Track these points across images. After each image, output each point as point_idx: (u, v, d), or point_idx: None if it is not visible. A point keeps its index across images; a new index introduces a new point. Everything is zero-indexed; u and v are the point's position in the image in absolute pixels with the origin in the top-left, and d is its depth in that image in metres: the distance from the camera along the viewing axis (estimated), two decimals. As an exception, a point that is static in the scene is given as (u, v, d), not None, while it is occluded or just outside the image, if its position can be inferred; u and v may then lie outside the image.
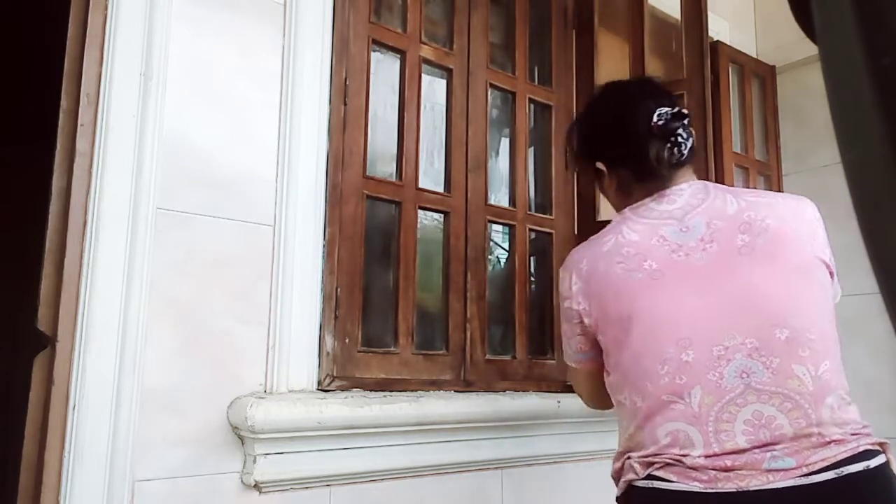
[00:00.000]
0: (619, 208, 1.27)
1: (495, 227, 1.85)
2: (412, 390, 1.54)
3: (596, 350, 1.22)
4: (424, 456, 1.49)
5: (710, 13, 1.90)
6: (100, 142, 1.21)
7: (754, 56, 2.66)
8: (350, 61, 1.55)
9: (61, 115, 1.22)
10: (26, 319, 1.35)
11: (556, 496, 1.73)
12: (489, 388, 1.68)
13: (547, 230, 1.91)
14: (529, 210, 1.89)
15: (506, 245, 1.89)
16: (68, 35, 1.24)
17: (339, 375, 1.44)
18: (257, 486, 1.28)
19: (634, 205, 1.21)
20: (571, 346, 1.25)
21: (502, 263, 1.91)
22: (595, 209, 1.93)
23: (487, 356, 1.72)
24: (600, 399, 1.31)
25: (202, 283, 1.29)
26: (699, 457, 1.03)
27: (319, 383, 1.41)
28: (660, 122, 1.17)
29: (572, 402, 1.71)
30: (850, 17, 0.26)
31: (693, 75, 1.83)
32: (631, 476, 1.10)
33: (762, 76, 2.63)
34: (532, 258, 1.90)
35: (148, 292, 1.22)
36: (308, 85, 1.45)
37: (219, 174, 1.33)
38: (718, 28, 2.51)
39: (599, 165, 1.27)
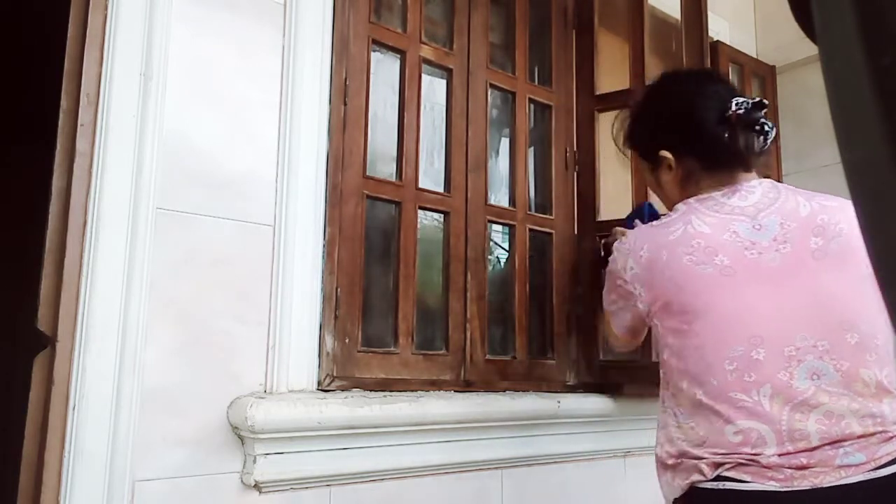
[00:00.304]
0: (674, 200, 1.25)
1: (495, 227, 1.85)
2: (412, 390, 1.54)
3: (639, 327, 1.26)
4: (424, 456, 1.49)
5: (710, 13, 1.90)
6: (100, 142, 1.21)
7: (754, 56, 2.66)
8: (350, 61, 1.55)
9: (61, 115, 1.22)
10: (26, 319, 1.35)
11: (556, 496, 1.73)
12: (489, 388, 1.68)
13: (547, 230, 1.91)
14: (529, 210, 1.89)
15: (506, 245, 1.89)
16: (68, 35, 1.24)
17: (339, 375, 1.44)
18: (257, 486, 1.28)
19: (700, 196, 1.19)
20: (619, 316, 1.27)
21: (502, 263, 1.91)
22: (595, 209, 1.93)
23: (487, 356, 1.72)
24: (631, 346, 1.37)
25: (202, 283, 1.29)
26: (773, 455, 1.02)
27: (319, 383, 1.41)
28: (739, 111, 1.16)
29: (572, 402, 1.71)
30: (850, 17, 0.26)
31: (693, 75, 1.83)
32: (696, 477, 1.07)
33: (762, 76, 2.63)
34: (532, 258, 1.90)
35: (148, 292, 1.22)
36: (308, 85, 1.45)
37: (219, 174, 1.33)
38: (718, 28, 2.51)
39: (665, 154, 1.24)
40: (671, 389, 1.16)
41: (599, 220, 1.93)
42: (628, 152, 1.41)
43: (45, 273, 1.18)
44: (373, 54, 1.61)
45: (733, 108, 1.16)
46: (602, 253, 1.77)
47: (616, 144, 1.48)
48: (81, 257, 1.17)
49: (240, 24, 1.40)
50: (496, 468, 1.62)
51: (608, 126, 1.98)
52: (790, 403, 1.04)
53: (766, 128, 1.17)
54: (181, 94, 1.31)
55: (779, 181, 2.58)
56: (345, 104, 1.52)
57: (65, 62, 1.23)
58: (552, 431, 1.71)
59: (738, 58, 2.53)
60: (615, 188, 1.97)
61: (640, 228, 1.25)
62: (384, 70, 1.68)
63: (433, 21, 1.80)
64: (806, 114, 2.53)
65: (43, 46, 2.33)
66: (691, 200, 1.20)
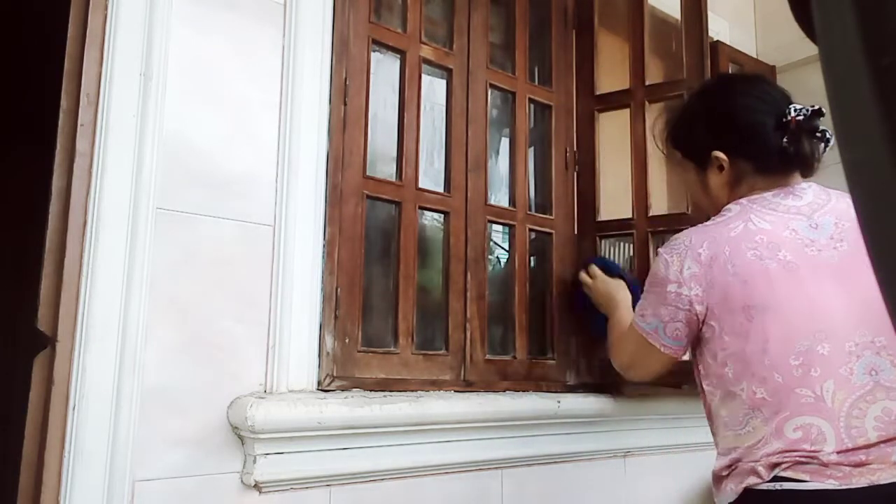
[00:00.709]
0: (719, 202, 1.26)
1: (495, 227, 1.85)
2: (412, 390, 1.54)
3: (690, 339, 1.20)
4: (424, 456, 1.49)
5: (710, 13, 1.90)
6: (100, 142, 1.21)
7: (754, 56, 2.66)
8: (350, 61, 1.55)
9: (61, 115, 1.22)
10: (26, 319, 1.35)
11: (556, 496, 1.73)
12: (489, 388, 1.68)
13: (547, 230, 1.91)
14: (529, 210, 1.89)
15: (506, 245, 1.89)
16: (68, 35, 1.24)
17: (339, 375, 1.44)
18: (257, 486, 1.28)
19: (752, 197, 1.20)
20: (667, 331, 1.20)
21: (502, 263, 1.91)
22: (595, 209, 1.93)
23: (487, 356, 1.72)
24: (656, 376, 1.32)
25: (202, 283, 1.29)
26: (833, 453, 1.02)
27: (319, 383, 1.41)
28: (799, 118, 1.17)
29: (572, 402, 1.71)
30: (850, 17, 0.26)
31: (693, 75, 1.83)
32: (752, 480, 1.07)
33: (762, 76, 2.63)
34: (532, 258, 1.90)
35: (148, 292, 1.22)
36: (308, 85, 1.45)
37: (219, 174, 1.33)
38: (718, 28, 2.51)
39: (719, 154, 1.24)
40: (721, 400, 1.15)
41: (599, 220, 1.93)
42: (670, 150, 1.40)
43: (45, 273, 1.18)
44: (373, 54, 1.61)
45: (792, 114, 1.17)
46: (578, 282, 1.77)
47: (655, 142, 1.47)
48: (81, 257, 1.17)
49: (240, 24, 1.40)
50: (496, 468, 1.62)
51: (608, 126, 1.98)
52: (850, 399, 1.04)
53: (828, 134, 1.18)
54: (181, 94, 1.30)
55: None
56: (345, 104, 1.52)
57: (65, 62, 1.23)
58: (552, 431, 1.71)
59: (738, 58, 2.53)
60: (615, 188, 1.97)
61: (694, 229, 1.23)
62: (384, 70, 1.68)
63: (433, 21, 1.80)
64: (806, 114, 2.52)
65: (43, 46, 2.33)
66: (743, 201, 1.20)
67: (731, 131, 1.24)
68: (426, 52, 1.71)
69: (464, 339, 1.68)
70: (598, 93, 1.98)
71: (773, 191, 1.20)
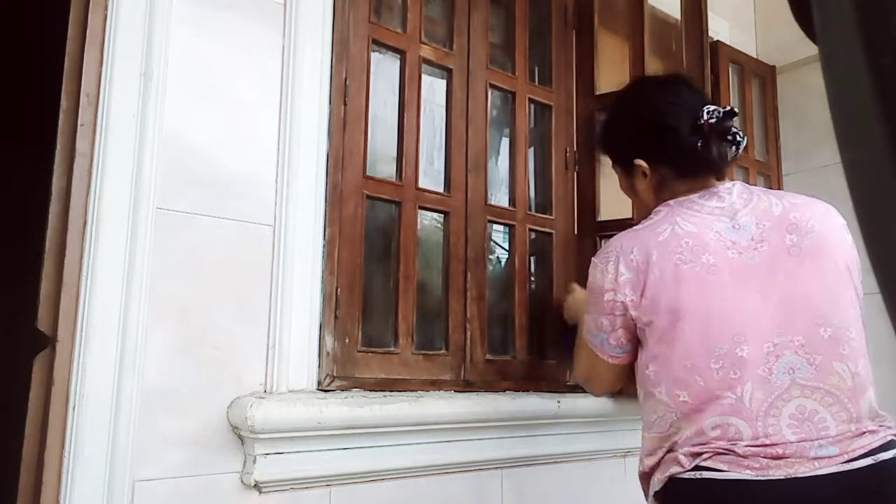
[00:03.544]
0: (649, 206, 1.28)
1: (495, 227, 1.85)
2: (412, 390, 1.54)
3: (634, 344, 1.21)
4: (424, 456, 1.49)
5: (710, 13, 1.90)
6: (100, 142, 1.21)
7: (754, 56, 2.66)
8: (350, 61, 1.55)
9: (61, 115, 1.22)
10: (26, 319, 1.35)
11: (556, 496, 1.73)
12: (489, 388, 1.68)
13: (547, 230, 1.91)
14: (529, 210, 1.89)
15: (506, 245, 1.89)
16: (68, 35, 1.24)
17: (339, 375, 1.44)
18: (257, 486, 1.28)
19: (679, 199, 1.22)
20: (611, 340, 1.22)
21: (502, 263, 1.91)
22: (595, 209, 1.93)
23: (487, 356, 1.72)
24: (614, 387, 1.34)
25: (202, 283, 1.29)
26: (748, 446, 1.05)
27: (319, 383, 1.41)
28: (711, 121, 1.19)
29: (572, 402, 1.71)
30: (850, 16, 0.26)
31: (693, 75, 1.83)
32: (675, 469, 1.10)
33: (762, 76, 2.63)
34: (532, 258, 1.90)
35: (148, 292, 1.22)
36: (308, 85, 1.45)
37: (219, 174, 1.33)
38: (718, 28, 2.51)
39: (640, 163, 1.26)
40: (643, 400, 1.19)
41: (599, 220, 1.93)
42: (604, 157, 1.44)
43: (45, 273, 1.18)
44: (373, 54, 1.61)
45: (705, 116, 1.19)
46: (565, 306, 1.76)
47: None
48: (81, 257, 1.17)
49: (240, 24, 1.40)
50: (496, 468, 1.62)
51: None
52: (769, 399, 1.07)
53: (738, 137, 1.21)
54: (181, 95, 1.30)
55: (779, 181, 2.59)
56: (345, 104, 1.52)
57: (65, 62, 1.23)
58: (552, 431, 1.71)
59: (738, 58, 2.53)
60: (615, 188, 1.97)
61: (624, 233, 1.25)
62: (384, 70, 1.68)
63: (433, 21, 1.80)
64: (806, 114, 2.52)
65: (43, 46, 2.33)
66: (671, 203, 1.22)
67: (649, 139, 1.26)
68: (426, 52, 1.71)
69: (464, 340, 1.68)
70: (598, 93, 1.98)
71: (698, 192, 1.21)
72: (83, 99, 1.21)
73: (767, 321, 1.09)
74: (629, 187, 1.34)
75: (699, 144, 1.19)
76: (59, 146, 1.21)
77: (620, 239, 1.23)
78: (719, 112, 1.20)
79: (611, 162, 1.40)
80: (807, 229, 1.14)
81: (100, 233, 1.18)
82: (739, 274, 1.12)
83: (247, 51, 1.40)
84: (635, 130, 1.30)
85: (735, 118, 1.21)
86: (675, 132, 1.21)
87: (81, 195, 1.19)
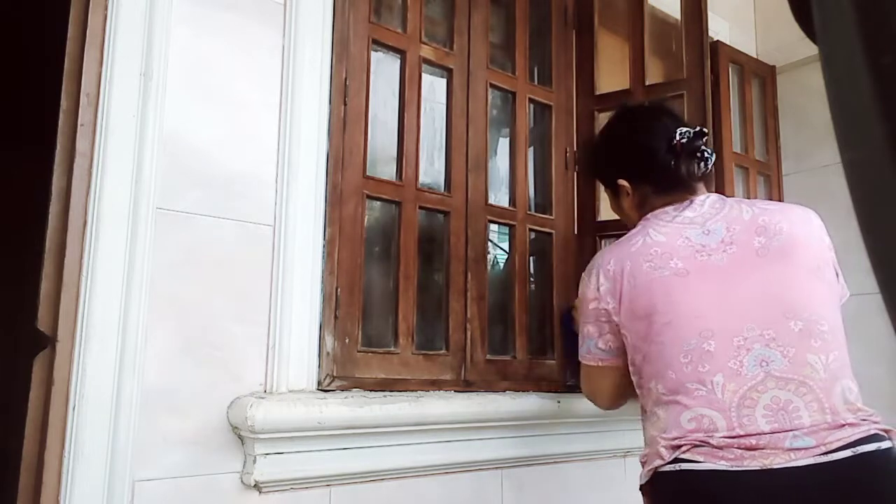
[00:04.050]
0: (634, 221, 1.38)
1: (495, 227, 1.85)
2: (412, 390, 1.54)
3: (621, 348, 1.29)
4: (424, 456, 1.49)
5: (710, 13, 1.90)
6: (100, 142, 1.21)
7: (754, 56, 2.66)
8: (350, 61, 1.55)
9: (61, 115, 1.22)
10: (26, 319, 1.35)
11: (556, 496, 1.73)
12: (489, 388, 1.68)
13: (547, 230, 1.91)
14: (529, 210, 1.89)
15: (506, 245, 1.89)
16: (68, 35, 1.24)
17: (339, 375, 1.44)
18: (257, 486, 1.28)
19: (656, 211, 1.32)
20: (599, 345, 1.32)
21: (502, 263, 1.91)
22: (595, 209, 1.93)
23: (487, 356, 1.72)
24: (618, 397, 1.39)
25: (202, 283, 1.29)
26: (722, 437, 1.09)
27: (319, 383, 1.41)
28: (683, 141, 1.31)
29: (572, 402, 1.71)
30: (850, 16, 0.26)
31: (693, 75, 1.83)
32: (657, 462, 1.14)
33: (762, 76, 2.63)
34: (532, 258, 1.90)
35: (148, 292, 1.22)
36: (308, 85, 1.45)
37: (219, 174, 1.33)
38: (718, 28, 2.51)
39: (623, 182, 1.38)
40: (644, 393, 1.24)
41: (599, 220, 1.93)
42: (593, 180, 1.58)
43: (45, 273, 1.18)
44: (373, 54, 1.61)
45: (677, 137, 1.31)
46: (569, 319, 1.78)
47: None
48: (81, 257, 1.17)
49: (240, 24, 1.40)
50: (496, 468, 1.62)
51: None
52: (741, 390, 1.11)
53: (706, 154, 1.33)
54: (181, 95, 1.30)
55: (779, 181, 2.59)
56: (345, 104, 1.52)
57: (65, 62, 1.23)
58: (552, 431, 1.71)
59: (738, 58, 2.53)
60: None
61: (606, 248, 1.37)
62: (384, 70, 1.68)
63: (433, 21, 1.80)
64: (806, 114, 2.52)
65: (43, 46, 2.33)
66: (649, 216, 1.33)
67: (629, 161, 1.39)
68: (426, 52, 1.71)
69: (464, 339, 1.68)
70: (598, 93, 1.99)
71: (674, 205, 1.31)
72: (83, 99, 1.21)
73: (737, 317, 1.15)
74: (617, 206, 1.46)
75: (672, 163, 1.31)
76: (59, 146, 1.21)
77: (602, 253, 1.35)
78: (690, 132, 1.31)
79: (602, 185, 1.53)
80: (775, 231, 1.21)
81: (100, 233, 1.18)
82: (708, 274, 1.19)
83: (247, 51, 1.40)
84: (619, 153, 1.42)
85: (705, 137, 1.32)
86: (653, 152, 1.33)
87: (81, 195, 1.19)
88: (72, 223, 1.18)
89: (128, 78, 1.24)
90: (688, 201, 1.30)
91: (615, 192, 1.43)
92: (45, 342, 1.17)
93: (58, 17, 1.28)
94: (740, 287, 1.17)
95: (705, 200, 1.30)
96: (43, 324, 1.17)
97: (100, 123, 1.21)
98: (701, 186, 1.34)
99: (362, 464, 1.39)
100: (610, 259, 1.29)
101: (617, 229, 1.91)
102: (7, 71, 2.84)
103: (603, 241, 1.95)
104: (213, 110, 1.34)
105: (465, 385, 1.65)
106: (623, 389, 1.35)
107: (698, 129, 1.32)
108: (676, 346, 1.16)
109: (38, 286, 1.18)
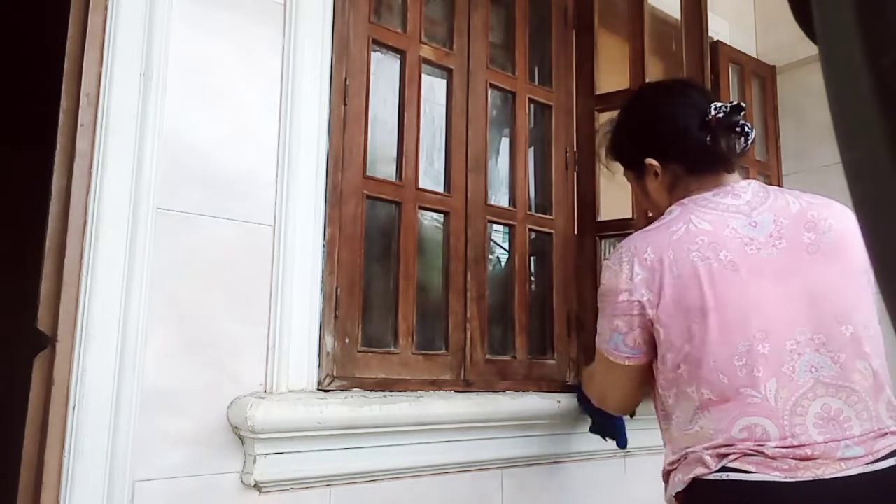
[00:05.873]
0: (662, 206, 1.27)
1: (495, 227, 1.85)
2: (412, 390, 1.54)
3: (651, 345, 1.19)
4: (424, 456, 1.49)
5: (710, 13, 1.90)
6: (100, 142, 1.21)
7: (754, 56, 2.66)
8: (350, 61, 1.55)
9: (61, 115, 1.22)
10: (26, 319, 1.35)
11: (556, 496, 1.73)
12: (489, 388, 1.68)
13: (547, 230, 1.91)
14: (529, 210, 1.89)
15: (506, 245, 1.89)
16: (68, 35, 1.24)
17: (339, 375, 1.44)
18: (257, 486, 1.28)
19: (693, 197, 1.22)
20: (626, 341, 1.20)
21: (502, 263, 1.91)
22: (595, 209, 1.93)
23: (487, 356, 1.72)
24: (636, 398, 1.32)
25: (202, 283, 1.29)
26: (776, 447, 1.04)
27: (319, 383, 1.41)
28: (719, 115, 1.20)
29: (572, 402, 1.71)
30: (850, 16, 0.26)
31: (693, 75, 1.83)
32: (700, 470, 1.08)
33: (762, 76, 2.63)
34: (532, 258, 1.90)
35: (148, 292, 1.22)
36: (308, 85, 1.45)
37: (219, 174, 1.33)
38: (718, 28, 2.51)
39: (651, 161, 1.27)
40: (675, 400, 1.16)
41: (599, 220, 1.93)
42: (612, 166, 1.44)
43: (45, 273, 1.18)
44: (373, 54, 1.61)
45: (713, 112, 1.20)
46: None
47: (599, 160, 1.50)
48: (81, 257, 1.17)
49: (240, 24, 1.40)
50: (496, 468, 1.62)
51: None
52: (793, 397, 1.06)
53: (747, 129, 1.21)
54: (181, 94, 1.30)
55: (779, 181, 2.59)
56: (345, 104, 1.52)
57: (65, 62, 1.23)
58: (552, 431, 1.71)
59: (738, 58, 2.53)
60: (615, 188, 1.97)
61: (636, 234, 1.25)
62: (384, 70, 1.68)
63: (433, 21, 1.80)
64: (806, 114, 2.52)
65: (43, 46, 2.33)
66: (685, 201, 1.22)
67: (658, 138, 1.28)
68: (426, 52, 1.71)
69: (464, 339, 1.68)
70: (598, 93, 1.98)
71: (712, 190, 1.21)
72: (83, 99, 1.21)
73: (788, 319, 1.09)
74: (641, 189, 1.34)
75: (708, 139, 1.20)
76: (59, 146, 1.21)
77: (633, 240, 1.22)
78: (726, 107, 1.20)
79: (623, 168, 1.40)
80: (825, 228, 1.13)
81: (100, 233, 1.18)
82: (758, 271, 1.11)
83: (247, 51, 1.40)
84: (645, 131, 1.31)
85: (742, 112, 1.21)
86: (684, 129, 1.23)
87: (81, 195, 1.19)
88: (72, 223, 1.18)
89: (128, 78, 1.24)
90: (728, 186, 1.20)
91: (639, 175, 1.32)
92: (45, 342, 1.17)
93: (58, 17, 1.28)
94: (792, 286, 1.10)
95: (747, 187, 1.20)
96: (43, 324, 1.17)
97: (100, 123, 1.21)
98: (734, 170, 1.24)
99: (362, 464, 1.39)
100: (647, 247, 1.16)
101: (617, 229, 1.91)
102: (7, 71, 2.84)
103: (603, 241, 1.95)
104: (212, 110, 1.34)
105: (465, 385, 1.65)
106: (641, 390, 1.28)
107: (736, 103, 1.21)
108: (729, 348, 1.08)
109: (38, 286, 1.18)
